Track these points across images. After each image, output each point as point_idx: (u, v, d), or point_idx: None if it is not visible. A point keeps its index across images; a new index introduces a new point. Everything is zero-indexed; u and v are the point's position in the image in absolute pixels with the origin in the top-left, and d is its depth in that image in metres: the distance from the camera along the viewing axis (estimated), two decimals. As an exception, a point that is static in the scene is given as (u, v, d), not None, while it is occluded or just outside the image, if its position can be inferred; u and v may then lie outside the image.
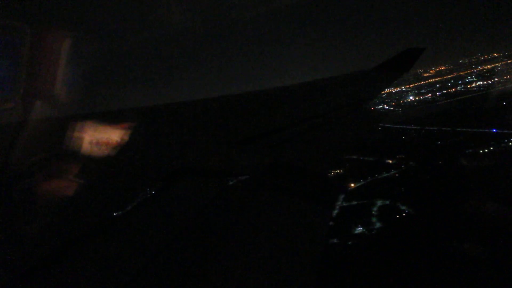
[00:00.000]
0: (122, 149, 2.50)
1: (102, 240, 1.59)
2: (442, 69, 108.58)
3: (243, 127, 3.21)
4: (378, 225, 24.45)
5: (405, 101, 72.71)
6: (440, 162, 33.20)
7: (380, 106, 70.30)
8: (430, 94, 73.24)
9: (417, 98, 72.92)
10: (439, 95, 70.62)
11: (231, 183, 2.30)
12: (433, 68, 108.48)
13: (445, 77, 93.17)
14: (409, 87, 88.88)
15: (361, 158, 39.57)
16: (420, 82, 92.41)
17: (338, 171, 38.26)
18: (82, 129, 2.71)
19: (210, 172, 2.37)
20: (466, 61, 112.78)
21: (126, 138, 2.65)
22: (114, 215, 1.80)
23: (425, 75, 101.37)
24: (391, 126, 53.78)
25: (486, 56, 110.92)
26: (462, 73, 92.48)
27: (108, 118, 3.11)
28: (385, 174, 33.54)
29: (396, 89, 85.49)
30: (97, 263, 1.45)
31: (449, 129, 42.85)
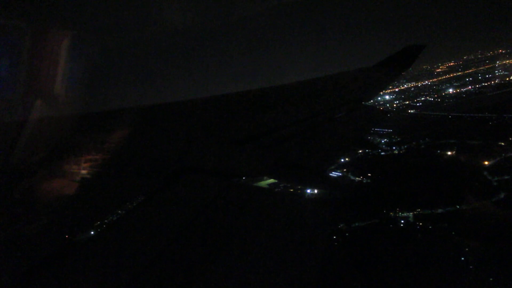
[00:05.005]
0: (123, 148, 2.52)
1: (103, 239, 1.60)
2: (451, 65, 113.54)
3: (244, 125, 3.25)
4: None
5: (446, 93, 76.32)
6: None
7: (423, 98, 73.75)
8: (470, 87, 76.65)
9: (457, 90, 76.61)
10: (480, 87, 74.03)
11: (233, 181, 2.33)
12: (440, 65, 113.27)
13: (465, 71, 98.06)
14: (433, 81, 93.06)
15: (462, 141, 42.40)
16: (443, 76, 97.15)
17: (449, 153, 40.97)
18: (83, 128, 2.72)
19: (211, 171, 2.39)
20: (472, 57, 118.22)
21: (128, 137, 2.67)
22: (116, 214, 1.82)
23: (438, 70, 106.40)
24: (460, 114, 57.10)
25: (491, 53, 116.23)
26: (482, 67, 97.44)
27: (109, 117, 3.12)
28: (510, 154, 36.47)
29: (422, 83, 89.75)
30: (98, 262, 1.46)
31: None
